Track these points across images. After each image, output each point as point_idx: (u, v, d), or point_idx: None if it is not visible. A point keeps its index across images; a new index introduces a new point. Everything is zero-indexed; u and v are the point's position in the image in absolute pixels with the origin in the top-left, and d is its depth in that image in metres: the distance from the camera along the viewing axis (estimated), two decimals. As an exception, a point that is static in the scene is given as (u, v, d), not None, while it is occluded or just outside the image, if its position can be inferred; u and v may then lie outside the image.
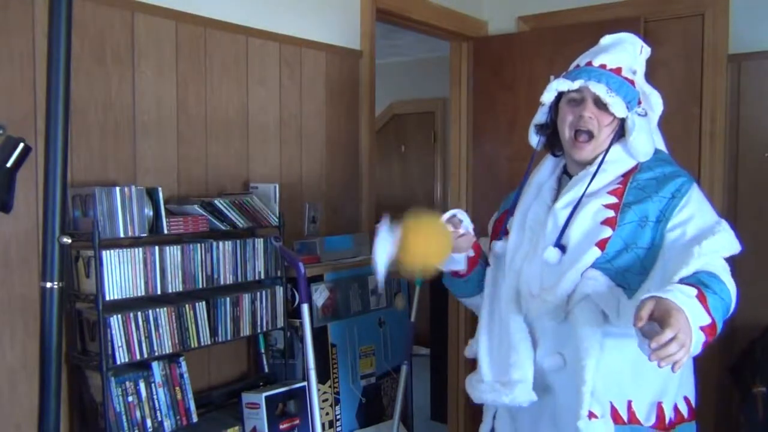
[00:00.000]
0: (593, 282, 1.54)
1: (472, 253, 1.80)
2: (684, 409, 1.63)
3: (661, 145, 1.75)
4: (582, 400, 1.52)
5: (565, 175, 1.76)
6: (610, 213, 1.57)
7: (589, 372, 1.52)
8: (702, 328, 1.34)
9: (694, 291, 1.35)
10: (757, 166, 3.20)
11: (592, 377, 1.52)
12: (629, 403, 1.58)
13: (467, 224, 1.76)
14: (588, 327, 1.54)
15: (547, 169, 1.80)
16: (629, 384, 1.58)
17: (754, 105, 3.21)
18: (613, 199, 1.59)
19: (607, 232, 1.55)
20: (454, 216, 1.75)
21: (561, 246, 1.60)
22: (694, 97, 3.30)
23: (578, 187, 1.64)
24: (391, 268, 1.60)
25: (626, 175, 1.63)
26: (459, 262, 1.80)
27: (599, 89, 1.58)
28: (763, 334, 2.97)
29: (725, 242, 1.53)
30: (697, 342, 1.32)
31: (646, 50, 1.72)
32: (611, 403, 1.56)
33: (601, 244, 1.55)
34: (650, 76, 1.73)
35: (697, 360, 1.70)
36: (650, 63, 1.75)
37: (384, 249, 1.58)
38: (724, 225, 1.56)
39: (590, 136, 1.63)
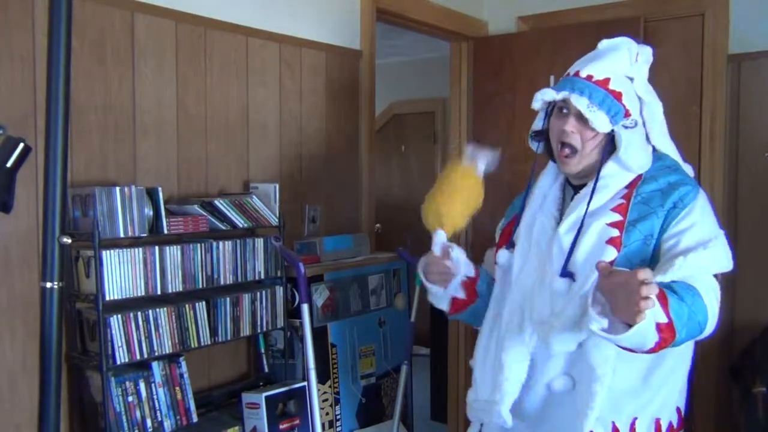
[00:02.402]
0: None
1: (461, 296, 1.79)
2: (675, 420, 1.63)
3: (670, 150, 1.70)
4: (585, 424, 1.51)
5: (568, 185, 1.73)
6: (615, 232, 1.54)
7: (599, 399, 1.51)
8: (657, 326, 1.32)
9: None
10: (757, 166, 3.20)
11: (600, 404, 1.51)
12: (634, 420, 1.56)
13: (457, 258, 1.75)
14: (601, 354, 1.51)
15: (550, 176, 1.77)
16: (636, 402, 1.56)
17: (754, 105, 3.21)
18: (617, 217, 1.55)
19: (612, 253, 1.51)
20: (448, 246, 1.73)
21: (569, 273, 1.56)
22: (694, 97, 3.30)
23: (580, 207, 1.60)
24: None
25: (630, 187, 1.59)
26: (441, 298, 1.79)
27: (580, 103, 1.55)
28: (763, 334, 2.97)
29: (715, 258, 1.49)
30: (646, 332, 1.31)
31: (645, 55, 1.65)
32: (613, 422, 1.55)
33: None
34: (651, 76, 1.70)
35: (696, 360, 1.69)
36: (651, 63, 1.72)
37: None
38: (721, 240, 1.51)
39: (573, 150, 1.60)
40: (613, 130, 1.57)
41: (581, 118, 1.58)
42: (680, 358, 1.61)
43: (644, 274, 1.23)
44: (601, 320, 1.33)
